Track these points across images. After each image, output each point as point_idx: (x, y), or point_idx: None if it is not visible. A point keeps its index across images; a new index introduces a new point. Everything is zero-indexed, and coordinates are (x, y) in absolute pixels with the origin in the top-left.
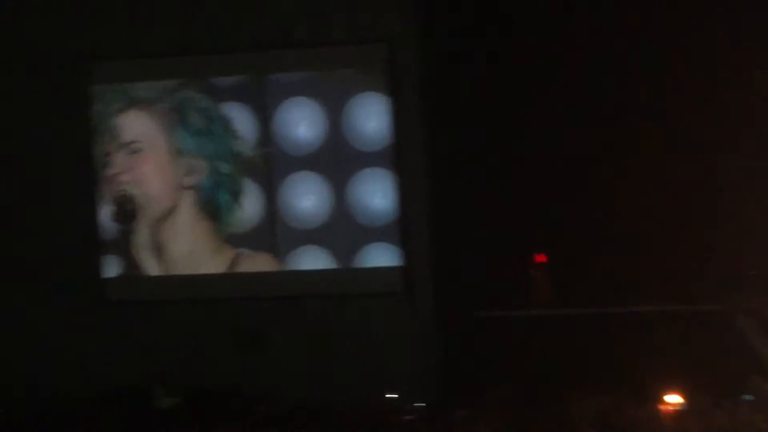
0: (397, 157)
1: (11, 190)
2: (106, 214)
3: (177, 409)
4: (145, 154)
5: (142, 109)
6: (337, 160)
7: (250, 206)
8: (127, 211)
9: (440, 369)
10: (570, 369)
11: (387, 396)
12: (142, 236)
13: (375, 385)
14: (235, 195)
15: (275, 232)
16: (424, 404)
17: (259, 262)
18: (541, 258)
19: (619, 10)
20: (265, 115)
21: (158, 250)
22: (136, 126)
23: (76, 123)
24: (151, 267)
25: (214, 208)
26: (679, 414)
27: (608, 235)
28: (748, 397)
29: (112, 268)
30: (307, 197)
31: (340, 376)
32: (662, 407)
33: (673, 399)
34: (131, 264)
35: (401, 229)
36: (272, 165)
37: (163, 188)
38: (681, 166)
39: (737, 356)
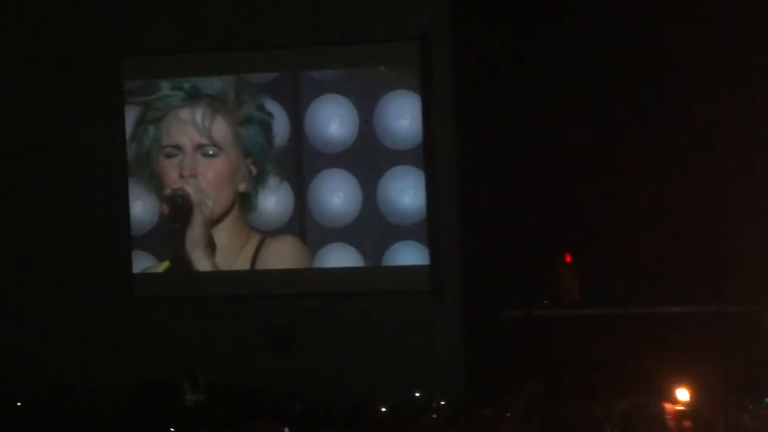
0: (427, 155)
1: (43, 184)
2: (143, 207)
3: (202, 406)
4: (220, 159)
5: (215, 107)
6: (368, 157)
7: (280, 203)
8: (182, 212)
9: (467, 367)
10: (596, 369)
11: (415, 394)
12: (194, 234)
13: (402, 383)
14: (272, 194)
15: (305, 228)
16: (450, 402)
17: (282, 245)
18: (569, 257)
19: (651, 11)
20: (298, 112)
21: (209, 248)
22: (216, 128)
23: (110, 118)
24: (202, 264)
25: (251, 206)
26: (701, 415)
27: (637, 236)
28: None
29: (141, 263)
30: (337, 194)
31: (367, 373)
32: (684, 407)
33: (683, 396)
34: (176, 260)
35: (430, 228)
36: (303, 162)
37: (226, 195)
38: (709, 166)
39: (765, 357)
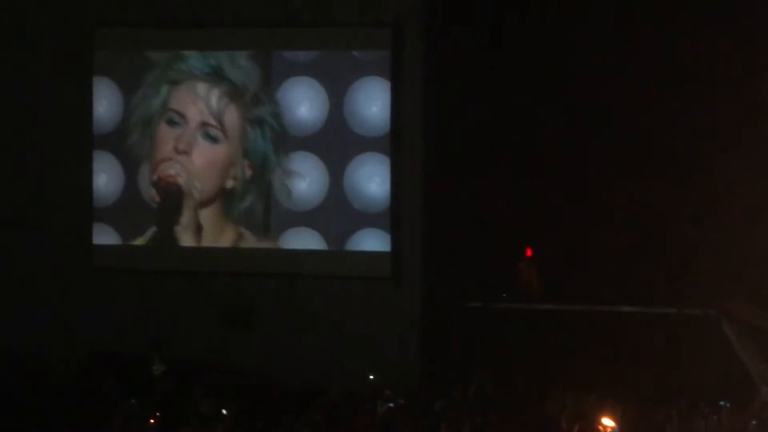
0: (394, 143)
1: (7, 155)
2: (111, 181)
3: (163, 376)
4: (218, 147)
5: (233, 94)
6: (336, 142)
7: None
8: (172, 199)
9: (423, 355)
10: (553, 364)
11: (370, 378)
12: (184, 219)
13: (359, 367)
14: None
15: (269, 212)
16: (404, 391)
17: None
18: (530, 252)
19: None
20: (267, 92)
21: (198, 231)
22: (226, 113)
23: (77, 91)
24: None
25: (233, 205)
26: (658, 416)
27: (599, 235)
28: (723, 403)
29: (103, 236)
30: (302, 178)
31: (325, 355)
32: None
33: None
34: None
35: (393, 216)
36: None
37: (212, 186)
38: (673, 169)
39: (721, 360)
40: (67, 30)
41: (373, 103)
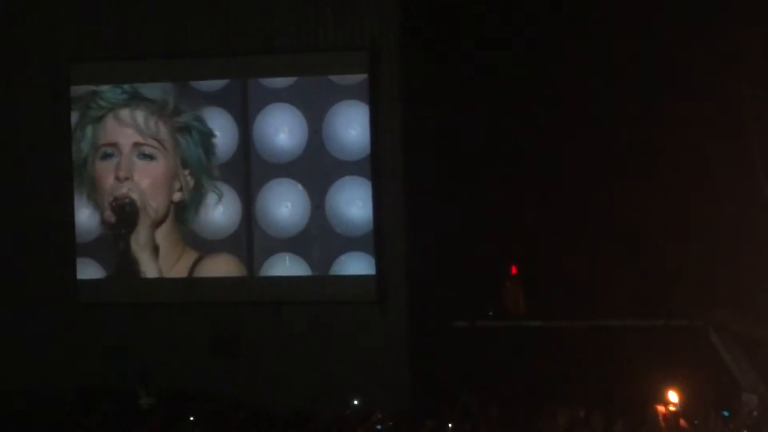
0: (375, 166)
1: None
2: (88, 215)
3: (153, 409)
4: (156, 163)
5: (156, 112)
6: (316, 167)
7: (227, 213)
8: (128, 218)
9: (412, 377)
10: (541, 381)
11: (357, 403)
12: (140, 238)
13: (347, 392)
14: (210, 205)
15: (252, 239)
16: (393, 412)
17: (220, 264)
18: (515, 269)
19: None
20: (246, 120)
21: (154, 251)
22: (154, 128)
23: (54, 125)
24: (147, 267)
25: (186, 218)
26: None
27: (584, 250)
28: (725, 413)
29: (86, 270)
30: (285, 204)
31: (313, 381)
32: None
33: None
34: (121, 266)
35: (377, 239)
36: (251, 171)
37: (161, 201)
38: (656, 182)
39: (709, 370)
40: (43, 64)
41: (352, 126)
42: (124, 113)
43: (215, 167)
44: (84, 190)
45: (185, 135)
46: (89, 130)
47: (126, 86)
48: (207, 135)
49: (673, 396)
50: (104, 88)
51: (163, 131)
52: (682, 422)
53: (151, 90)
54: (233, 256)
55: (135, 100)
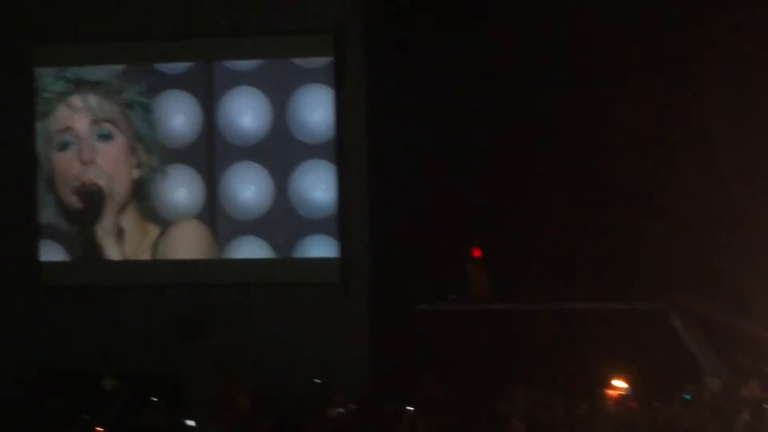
0: (339, 149)
1: None
2: (51, 203)
3: (116, 391)
4: (115, 143)
5: (103, 92)
6: (280, 151)
7: (190, 195)
8: (95, 203)
9: (374, 360)
10: (503, 364)
11: (320, 385)
12: (107, 223)
13: (309, 374)
14: (170, 185)
15: (216, 221)
16: (355, 395)
17: (184, 231)
18: (478, 252)
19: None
20: (210, 103)
21: (120, 235)
22: (106, 107)
23: (16, 108)
24: (113, 252)
25: (145, 194)
26: (608, 411)
27: (546, 233)
28: (687, 396)
29: (50, 252)
30: (248, 187)
31: (275, 363)
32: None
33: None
34: (87, 250)
35: (340, 222)
36: (215, 154)
37: (124, 180)
38: (620, 165)
39: (671, 355)
40: (7, 46)
41: (316, 110)
42: (73, 99)
43: (170, 142)
44: (43, 184)
45: (132, 109)
46: (40, 126)
47: (69, 74)
48: (147, 107)
49: (618, 383)
50: (47, 81)
51: (113, 108)
52: (633, 404)
53: (93, 72)
54: (198, 222)
55: (79, 85)
